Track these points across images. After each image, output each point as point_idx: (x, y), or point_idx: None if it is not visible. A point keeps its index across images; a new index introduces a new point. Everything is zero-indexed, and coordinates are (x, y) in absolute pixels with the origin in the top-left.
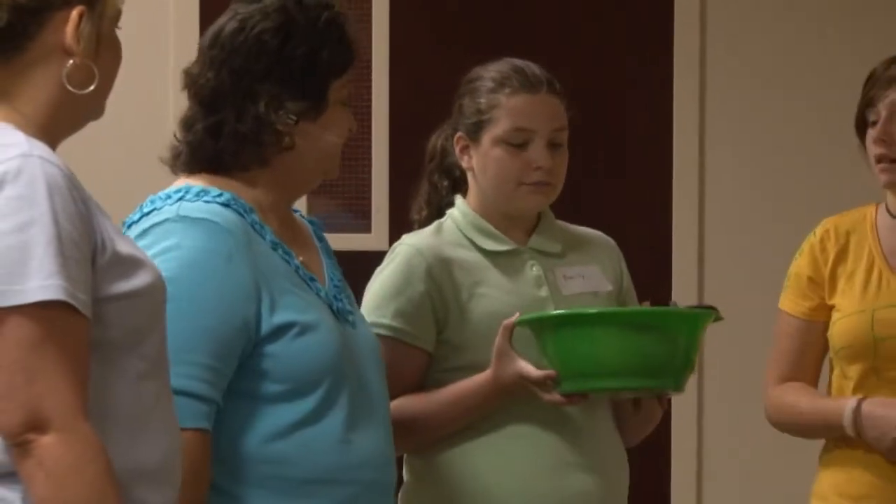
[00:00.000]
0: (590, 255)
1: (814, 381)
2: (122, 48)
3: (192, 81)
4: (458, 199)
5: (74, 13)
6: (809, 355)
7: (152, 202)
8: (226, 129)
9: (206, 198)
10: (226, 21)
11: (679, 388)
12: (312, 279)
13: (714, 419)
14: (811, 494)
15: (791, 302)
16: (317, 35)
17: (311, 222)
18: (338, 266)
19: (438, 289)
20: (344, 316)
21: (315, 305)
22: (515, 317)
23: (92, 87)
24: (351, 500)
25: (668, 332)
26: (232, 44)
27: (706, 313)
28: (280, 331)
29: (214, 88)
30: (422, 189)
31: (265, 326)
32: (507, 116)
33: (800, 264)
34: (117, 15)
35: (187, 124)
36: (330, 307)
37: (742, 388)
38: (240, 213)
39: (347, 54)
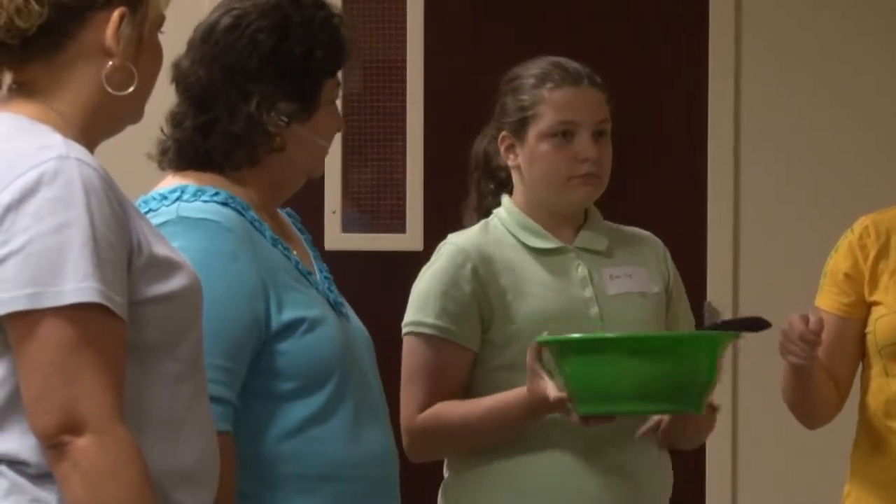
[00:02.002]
0: (637, 255)
1: (846, 378)
2: (163, 53)
3: (181, 76)
4: (505, 199)
5: (115, 14)
6: (843, 351)
7: (146, 203)
8: (217, 129)
9: (203, 197)
10: (220, 16)
11: (699, 409)
12: (310, 273)
13: (749, 419)
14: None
15: (827, 298)
16: (311, 35)
17: (288, 214)
18: (321, 258)
19: (484, 288)
20: (339, 308)
21: (317, 300)
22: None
23: (131, 89)
24: (358, 496)
25: (685, 357)
26: (226, 40)
27: (725, 336)
28: (289, 328)
29: (205, 86)
30: (470, 197)
31: (274, 324)
32: (551, 110)
33: (836, 260)
34: (160, 19)
35: (176, 120)
36: (328, 300)
37: (777, 390)
38: (238, 211)
39: (340, 54)
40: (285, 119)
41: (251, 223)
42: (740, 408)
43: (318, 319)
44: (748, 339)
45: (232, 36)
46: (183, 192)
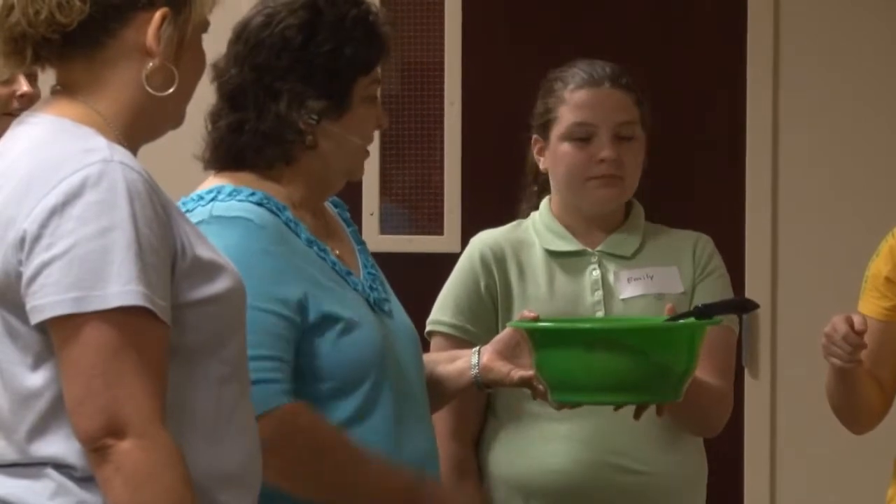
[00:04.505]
0: (670, 255)
1: (891, 382)
2: (205, 58)
3: (219, 75)
4: (544, 201)
5: (157, 14)
6: (886, 355)
7: (184, 204)
8: (247, 127)
9: (239, 197)
10: (253, 15)
11: (677, 396)
12: (349, 273)
13: (787, 422)
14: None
15: (869, 303)
16: (343, 33)
17: (335, 205)
18: (368, 251)
19: (495, 285)
20: (381, 306)
21: (355, 302)
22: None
23: (171, 90)
24: None
25: (658, 348)
26: (256, 39)
27: (700, 325)
28: (326, 322)
29: (237, 84)
30: (523, 207)
31: (313, 314)
32: (569, 112)
33: (877, 265)
34: (204, 23)
35: (212, 119)
36: (367, 300)
37: (817, 392)
38: (273, 212)
39: (375, 51)
40: (315, 117)
41: (286, 224)
42: (780, 409)
43: (353, 322)
44: (787, 341)
45: (262, 34)
46: (219, 192)
